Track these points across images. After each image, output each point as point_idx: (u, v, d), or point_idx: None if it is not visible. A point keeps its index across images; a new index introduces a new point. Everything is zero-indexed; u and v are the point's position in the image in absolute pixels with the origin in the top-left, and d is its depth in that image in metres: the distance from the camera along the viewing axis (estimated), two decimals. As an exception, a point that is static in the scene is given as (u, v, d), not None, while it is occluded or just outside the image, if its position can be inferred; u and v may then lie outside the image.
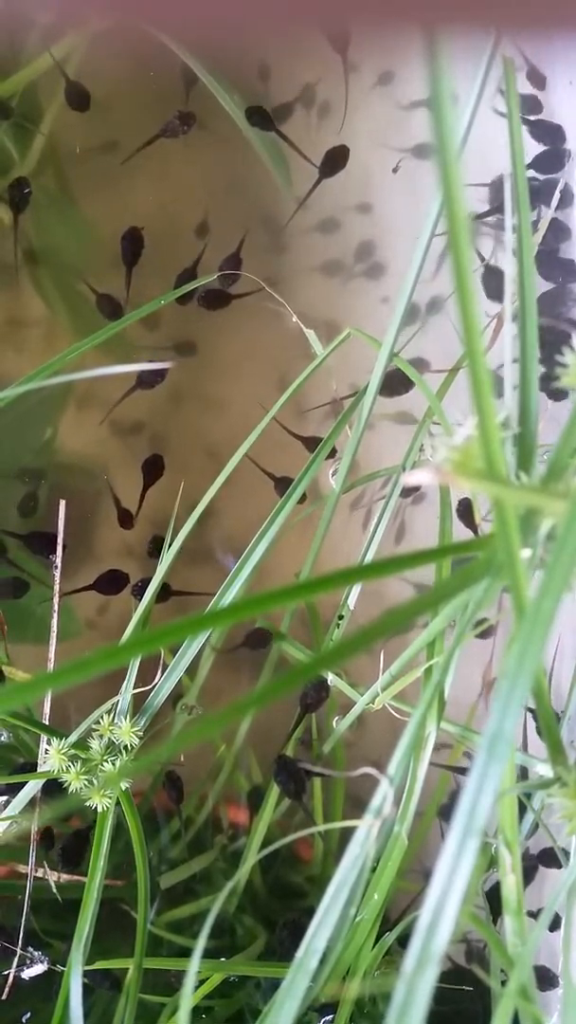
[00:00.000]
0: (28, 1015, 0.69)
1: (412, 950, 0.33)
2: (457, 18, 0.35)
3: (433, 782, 0.76)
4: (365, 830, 0.43)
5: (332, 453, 0.64)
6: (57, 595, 0.63)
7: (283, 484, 0.71)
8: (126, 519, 0.74)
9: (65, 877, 0.63)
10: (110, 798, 0.53)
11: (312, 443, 0.73)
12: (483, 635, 0.66)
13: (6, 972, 0.62)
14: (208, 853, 0.72)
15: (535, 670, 0.35)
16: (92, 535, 0.86)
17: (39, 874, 0.63)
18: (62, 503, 0.64)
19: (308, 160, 0.76)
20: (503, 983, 0.55)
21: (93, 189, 0.80)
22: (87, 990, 0.57)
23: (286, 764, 0.61)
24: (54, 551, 0.65)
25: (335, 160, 0.76)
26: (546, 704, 0.41)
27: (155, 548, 0.69)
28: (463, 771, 0.62)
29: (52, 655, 0.62)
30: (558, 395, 0.63)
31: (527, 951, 0.45)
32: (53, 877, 0.63)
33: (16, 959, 0.62)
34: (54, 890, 0.63)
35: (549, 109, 0.72)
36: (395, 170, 0.79)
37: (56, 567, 0.65)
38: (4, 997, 0.63)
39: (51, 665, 0.62)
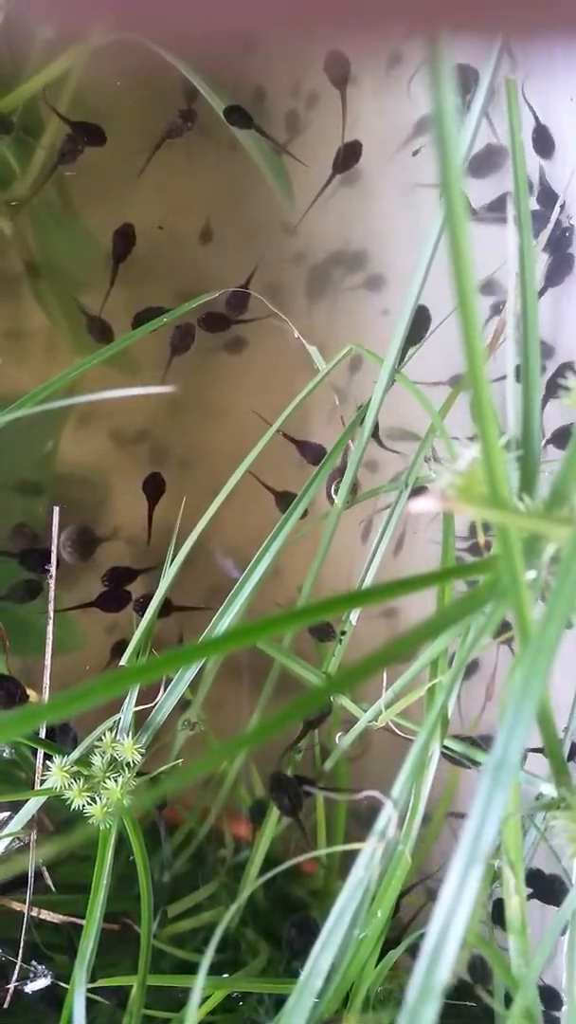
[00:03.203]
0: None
1: (415, 979, 0.33)
2: (459, 28, 0.35)
3: (439, 790, 0.76)
4: (369, 851, 0.43)
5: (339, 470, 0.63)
6: (52, 604, 0.63)
7: (284, 499, 0.71)
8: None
9: (61, 919, 0.63)
10: (112, 816, 0.53)
11: (307, 449, 0.73)
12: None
13: (7, 986, 0.62)
14: (210, 884, 0.72)
15: (540, 695, 0.35)
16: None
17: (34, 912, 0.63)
18: (55, 511, 0.64)
19: (298, 160, 0.77)
20: (508, 999, 0.55)
21: (94, 201, 0.80)
22: (90, 1004, 0.57)
23: (281, 781, 0.61)
24: (43, 569, 0.65)
25: (348, 156, 0.76)
26: (550, 727, 0.41)
27: (111, 579, 0.69)
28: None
29: (47, 666, 0.62)
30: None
31: (532, 972, 0.45)
32: (50, 917, 0.63)
33: (17, 972, 0.62)
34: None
35: (549, 126, 0.72)
36: (415, 153, 0.79)
37: (51, 577, 0.64)
38: (5, 1006, 0.63)
39: (47, 678, 0.62)
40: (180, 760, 0.64)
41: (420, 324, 0.64)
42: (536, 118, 0.72)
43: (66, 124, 0.72)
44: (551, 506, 0.36)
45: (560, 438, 0.68)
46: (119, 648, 0.70)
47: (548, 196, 0.71)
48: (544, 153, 0.72)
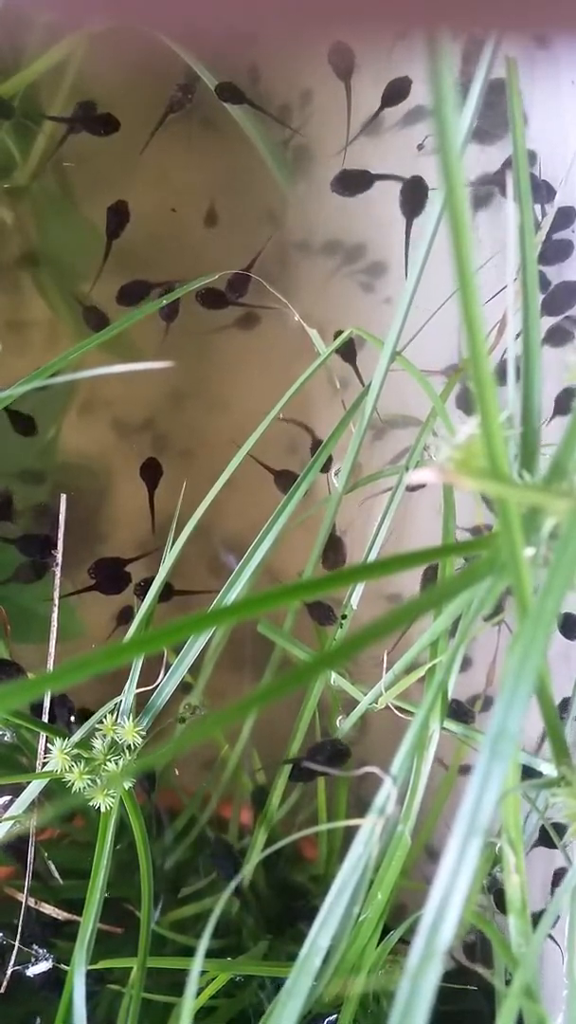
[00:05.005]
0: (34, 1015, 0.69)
1: (415, 949, 0.33)
2: (458, 19, 0.35)
3: (438, 780, 0.76)
4: (368, 830, 0.43)
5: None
6: (57, 591, 0.63)
7: (283, 477, 0.71)
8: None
9: (65, 915, 0.64)
10: (113, 798, 0.54)
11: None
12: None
13: (7, 969, 0.63)
14: (214, 872, 0.72)
15: (538, 669, 0.35)
16: (94, 535, 0.86)
17: (32, 903, 0.63)
18: (63, 497, 0.64)
19: (295, 131, 0.77)
20: (507, 981, 0.55)
21: (95, 191, 0.80)
22: (92, 991, 0.57)
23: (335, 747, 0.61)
24: (48, 553, 0.65)
25: (396, 92, 0.75)
26: (549, 703, 0.41)
27: (97, 571, 0.69)
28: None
29: (52, 649, 0.62)
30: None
31: (531, 951, 0.45)
32: (52, 912, 0.64)
33: (15, 955, 0.62)
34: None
35: (551, 110, 0.72)
36: (420, 147, 0.79)
37: (57, 564, 0.64)
38: (3, 991, 0.63)
39: (51, 662, 0.62)
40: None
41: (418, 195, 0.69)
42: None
43: (77, 124, 0.72)
44: (551, 479, 0.37)
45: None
46: (124, 615, 0.70)
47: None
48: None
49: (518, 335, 0.44)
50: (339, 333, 0.65)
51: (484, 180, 0.74)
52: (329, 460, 0.62)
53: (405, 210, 0.70)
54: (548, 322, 0.71)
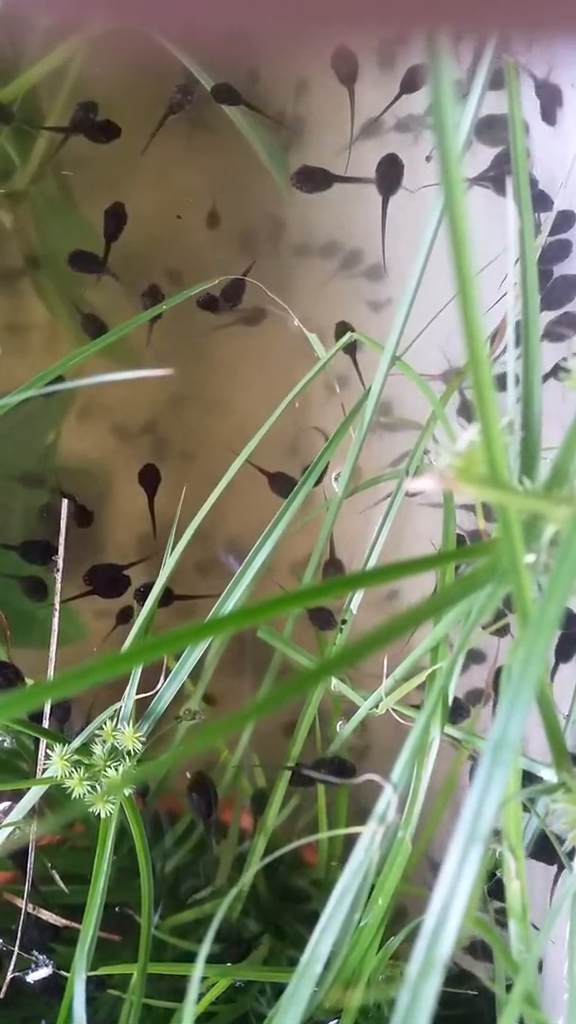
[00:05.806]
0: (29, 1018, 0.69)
1: (416, 955, 0.33)
2: (458, 19, 0.35)
3: (439, 784, 0.76)
4: (369, 836, 0.43)
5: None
6: (58, 595, 0.63)
7: (277, 480, 0.71)
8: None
9: (64, 922, 0.63)
10: (113, 804, 0.53)
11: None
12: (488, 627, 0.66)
13: (6, 975, 0.62)
14: (217, 878, 0.72)
15: (539, 676, 0.35)
16: (95, 538, 0.86)
17: (30, 909, 0.63)
18: (64, 502, 0.64)
19: (285, 127, 0.77)
20: (508, 987, 0.55)
21: (95, 194, 0.80)
22: (92, 996, 0.57)
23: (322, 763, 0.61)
24: (48, 559, 0.65)
25: (414, 79, 0.75)
26: (550, 709, 0.41)
27: (92, 578, 0.69)
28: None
29: (52, 655, 0.62)
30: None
31: (532, 957, 0.45)
32: (47, 915, 0.63)
33: (14, 961, 0.62)
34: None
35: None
36: (428, 159, 0.79)
37: (57, 569, 0.64)
38: (3, 997, 0.63)
39: (52, 668, 0.62)
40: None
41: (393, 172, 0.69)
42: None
43: (77, 132, 0.72)
44: (551, 486, 0.36)
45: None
46: (124, 615, 0.70)
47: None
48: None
49: (517, 340, 0.44)
50: (339, 332, 0.65)
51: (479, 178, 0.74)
52: (324, 471, 0.62)
53: (381, 188, 0.70)
54: (547, 317, 0.71)
